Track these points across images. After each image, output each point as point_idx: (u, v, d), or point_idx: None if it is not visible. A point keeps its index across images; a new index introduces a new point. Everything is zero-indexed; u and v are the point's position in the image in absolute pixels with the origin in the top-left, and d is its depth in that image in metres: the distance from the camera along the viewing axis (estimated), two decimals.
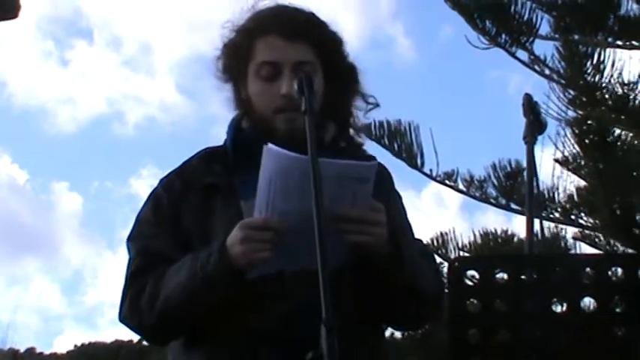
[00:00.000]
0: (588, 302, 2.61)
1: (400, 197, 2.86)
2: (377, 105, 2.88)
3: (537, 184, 3.16)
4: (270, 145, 2.42)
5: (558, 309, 2.64)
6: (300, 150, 2.35)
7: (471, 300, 2.54)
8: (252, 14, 2.81)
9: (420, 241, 2.84)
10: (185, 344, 2.70)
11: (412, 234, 2.83)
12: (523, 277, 2.59)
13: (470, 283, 2.58)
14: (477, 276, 2.54)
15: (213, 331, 2.61)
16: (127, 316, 2.68)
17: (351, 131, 2.87)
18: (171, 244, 2.68)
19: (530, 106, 3.06)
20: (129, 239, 2.75)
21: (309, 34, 2.74)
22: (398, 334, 9.07)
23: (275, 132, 2.67)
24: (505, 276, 2.58)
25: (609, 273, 2.59)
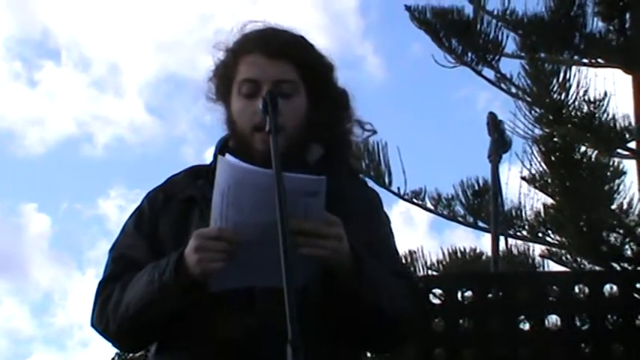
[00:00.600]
0: (554, 320, 2.61)
1: (388, 221, 2.84)
2: (374, 132, 2.89)
3: (502, 202, 3.17)
4: (226, 156, 2.42)
5: (524, 327, 2.64)
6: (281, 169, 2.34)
7: (437, 319, 2.54)
8: (240, 35, 2.82)
9: (403, 265, 2.82)
10: (155, 352, 2.71)
11: (395, 258, 2.81)
12: (489, 295, 2.59)
13: (436, 301, 2.58)
14: (443, 295, 2.54)
15: (179, 340, 2.61)
16: (96, 322, 2.71)
17: (350, 158, 2.88)
18: (147, 254, 2.70)
19: (495, 125, 3.07)
20: (110, 249, 2.80)
21: (291, 53, 2.74)
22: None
23: (253, 151, 2.67)
24: (471, 294, 2.58)
25: (575, 290, 2.59)
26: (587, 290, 2.60)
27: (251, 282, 2.51)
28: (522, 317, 2.64)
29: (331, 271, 2.49)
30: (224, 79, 2.81)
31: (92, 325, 2.73)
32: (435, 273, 8.44)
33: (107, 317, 2.66)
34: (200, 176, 2.79)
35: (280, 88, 2.66)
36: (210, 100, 2.87)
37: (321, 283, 2.51)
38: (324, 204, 2.43)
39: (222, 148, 2.82)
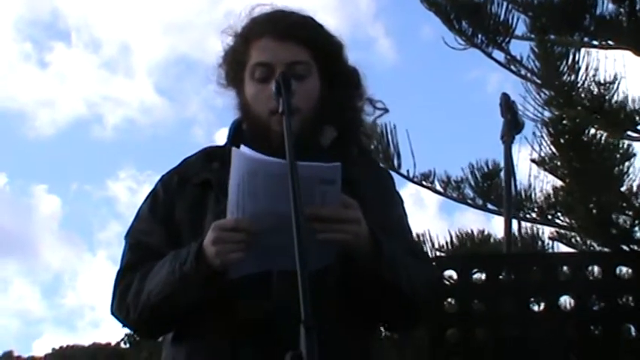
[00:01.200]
0: (566, 301, 2.62)
1: (402, 202, 2.85)
2: (386, 110, 2.89)
3: (515, 184, 3.17)
4: (240, 148, 2.43)
5: (536, 308, 2.64)
6: (296, 151, 2.35)
7: (449, 300, 2.55)
8: (249, 19, 2.82)
9: (418, 244, 2.83)
10: (172, 339, 2.73)
11: (410, 238, 2.81)
12: (500, 276, 2.60)
13: (447, 283, 2.59)
14: (455, 276, 2.55)
15: (196, 326, 2.63)
16: (116, 310, 2.73)
17: (362, 137, 2.88)
18: (164, 240, 2.72)
19: (508, 106, 3.07)
20: (126, 235, 2.82)
21: (302, 34, 2.74)
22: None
23: (270, 133, 2.67)
24: (483, 276, 2.59)
25: (586, 271, 2.60)
26: (598, 271, 2.60)
27: (269, 267, 2.53)
28: (534, 299, 2.65)
29: (351, 255, 2.50)
30: (235, 65, 2.81)
31: (112, 313, 2.75)
32: (443, 255, 8.44)
33: (127, 306, 2.68)
34: (215, 158, 2.80)
35: (294, 70, 2.67)
36: (221, 86, 2.88)
37: (340, 265, 2.53)
38: (340, 190, 2.44)
39: (236, 132, 2.83)
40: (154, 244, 2.73)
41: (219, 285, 2.53)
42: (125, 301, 2.69)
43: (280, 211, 2.32)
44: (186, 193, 2.77)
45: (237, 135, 2.81)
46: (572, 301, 2.56)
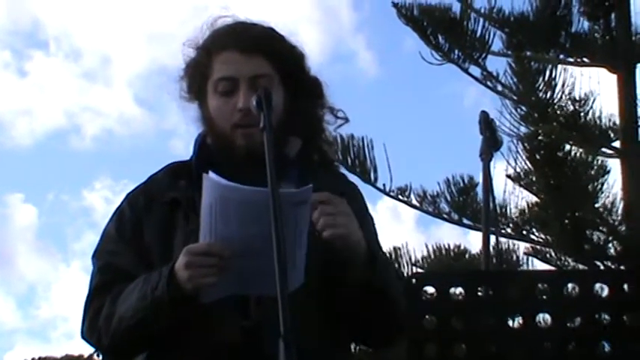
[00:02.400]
0: (542, 317, 2.63)
1: (372, 219, 2.85)
2: (346, 120, 2.88)
3: (494, 201, 3.18)
4: (209, 174, 2.43)
5: (513, 324, 2.66)
6: (259, 165, 2.35)
7: (427, 316, 2.55)
8: (211, 32, 2.80)
9: (391, 263, 2.84)
10: (145, 357, 2.70)
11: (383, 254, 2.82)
12: (479, 293, 2.61)
13: (425, 299, 2.59)
14: (434, 292, 2.55)
15: (172, 347, 2.61)
16: (87, 334, 2.69)
17: (325, 146, 2.87)
18: (132, 260, 2.68)
19: (487, 124, 3.08)
20: (93, 255, 2.76)
21: (264, 47, 2.73)
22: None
23: (234, 147, 2.67)
24: (461, 292, 2.60)
25: (563, 289, 2.62)
26: (577, 289, 2.62)
27: (241, 291, 2.53)
28: (512, 315, 2.66)
29: (348, 258, 2.51)
30: (197, 78, 2.78)
31: (82, 337, 2.70)
32: (420, 270, 8.47)
33: (99, 331, 2.64)
34: (181, 176, 2.76)
35: (257, 84, 2.66)
36: (184, 99, 2.85)
37: (328, 274, 2.53)
38: (310, 210, 2.45)
39: (201, 146, 2.81)
40: (123, 265, 2.69)
41: (191, 309, 2.52)
42: (96, 326, 2.65)
43: (252, 236, 2.34)
44: (154, 212, 2.73)
45: (202, 149, 2.80)
46: (550, 317, 2.58)
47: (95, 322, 2.65)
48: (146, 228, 2.72)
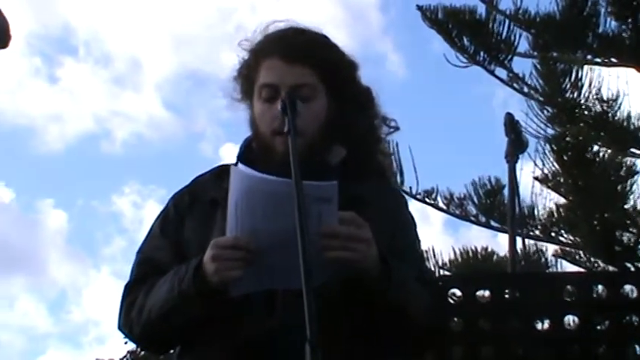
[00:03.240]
0: (570, 320, 2.62)
1: (414, 224, 2.84)
2: (397, 128, 2.89)
3: (519, 202, 3.17)
4: (238, 166, 2.44)
5: (540, 327, 2.64)
6: (299, 171, 2.35)
7: (454, 319, 2.55)
8: (262, 36, 2.82)
9: (429, 270, 2.81)
10: (178, 355, 2.74)
11: (421, 261, 2.81)
12: (506, 295, 2.60)
13: (453, 301, 2.59)
14: (461, 295, 2.55)
15: (200, 342, 2.63)
16: (122, 325, 2.75)
17: (379, 157, 2.87)
18: (172, 257, 2.72)
19: (512, 126, 3.08)
20: (138, 251, 2.82)
21: (309, 55, 2.73)
22: None
23: (274, 153, 2.68)
24: (488, 294, 2.59)
25: (591, 291, 2.60)
26: (602, 290, 2.60)
27: (269, 285, 2.53)
28: (538, 317, 2.65)
29: (359, 276, 2.50)
30: (247, 80, 2.82)
31: (119, 327, 2.76)
32: (447, 272, 8.45)
33: (131, 321, 2.69)
34: (225, 177, 2.79)
35: (298, 93, 2.66)
36: (235, 100, 2.88)
37: (345, 285, 2.52)
38: (338, 209, 2.44)
39: (246, 149, 2.83)
40: (162, 260, 2.74)
41: (220, 303, 2.53)
42: (129, 317, 2.70)
43: (278, 229, 2.33)
44: (195, 211, 2.77)
45: (246, 152, 2.82)
46: (578, 320, 2.56)
47: (129, 313, 2.70)
48: (187, 226, 2.76)
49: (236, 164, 2.80)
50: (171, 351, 2.82)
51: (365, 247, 2.46)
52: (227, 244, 2.48)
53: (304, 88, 2.69)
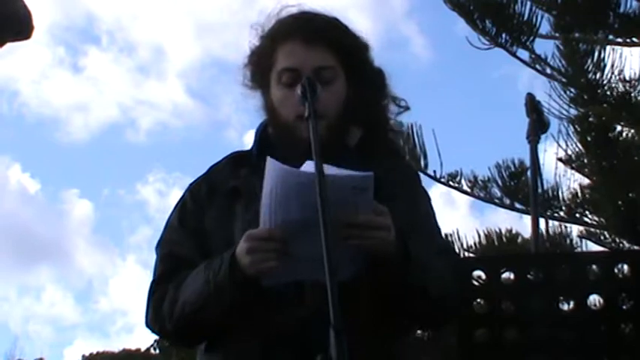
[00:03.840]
0: (595, 300, 2.61)
1: (428, 198, 2.85)
2: (407, 108, 2.89)
3: (541, 183, 3.16)
4: (271, 158, 2.44)
5: (565, 307, 2.64)
6: (323, 155, 2.35)
7: (478, 300, 2.55)
8: (276, 20, 2.82)
9: (446, 241, 2.81)
10: (205, 347, 2.74)
11: (437, 234, 2.81)
12: (529, 276, 2.60)
13: (476, 283, 2.59)
14: (484, 276, 2.55)
15: (229, 334, 2.64)
16: (151, 322, 2.74)
17: (390, 135, 2.88)
18: (194, 249, 2.73)
19: (533, 106, 3.07)
20: (157, 245, 2.82)
21: (328, 38, 2.74)
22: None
23: (297, 138, 2.67)
24: (511, 276, 2.59)
25: (615, 270, 2.59)
26: (626, 269, 2.59)
27: (301, 276, 2.55)
28: (562, 298, 2.64)
29: (378, 260, 2.50)
30: (262, 67, 2.81)
31: (147, 325, 2.76)
32: (472, 255, 8.43)
33: (163, 317, 2.69)
34: (242, 164, 2.79)
35: (320, 75, 2.67)
36: (247, 87, 2.88)
37: (369, 271, 2.53)
38: (373, 197, 2.44)
39: (262, 135, 2.83)
40: (185, 255, 2.73)
41: (252, 294, 2.54)
42: (160, 313, 2.70)
43: (312, 220, 2.34)
44: (215, 201, 2.77)
45: (263, 139, 2.82)
46: (601, 299, 2.55)
47: (159, 309, 2.70)
48: (207, 216, 2.76)
49: (251, 150, 2.80)
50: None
51: (384, 233, 2.47)
52: (262, 236, 2.49)
53: (326, 71, 2.70)
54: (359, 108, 2.77)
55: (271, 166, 2.44)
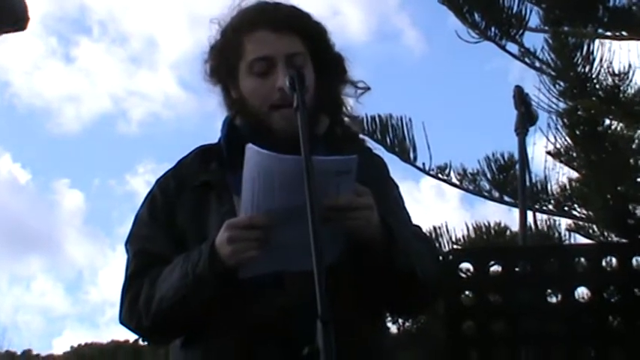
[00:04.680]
0: (583, 292, 2.61)
1: (396, 186, 2.85)
2: (367, 88, 2.87)
3: (530, 176, 3.16)
4: (251, 145, 2.42)
5: (553, 299, 2.64)
6: (297, 146, 2.34)
7: (466, 293, 2.54)
8: (237, 12, 2.79)
9: (418, 226, 2.82)
10: (182, 343, 2.71)
11: (409, 220, 2.82)
12: (517, 268, 2.60)
13: (464, 275, 2.58)
14: (471, 268, 2.54)
15: (209, 327, 2.61)
16: (126, 319, 2.70)
17: (346, 120, 2.86)
18: (166, 244, 2.69)
19: (521, 98, 3.07)
20: (127, 241, 2.77)
21: (296, 24, 2.73)
22: (394, 330, 9.07)
23: (271, 129, 2.66)
24: (499, 268, 2.59)
25: (603, 263, 2.59)
26: (614, 262, 2.59)
27: (280, 267, 2.52)
28: (550, 290, 2.64)
29: (364, 243, 2.50)
30: (226, 60, 2.77)
31: (121, 321, 2.72)
32: (459, 247, 8.44)
33: (139, 313, 2.65)
34: (211, 158, 2.76)
35: (293, 62, 2.65)
36: (209, 82, 2.83)
37: (352, 257, 2.53)
38: (355, 179, 2.44)
39: (229, 128, 2.80)
40: (157, 250, 2.70)
41: (232, 285, 2.52)
42: (136, 309, 2.66)
43: (294, 206, 2.33)
44: (186, 196, 2.73)
45: (231, 132, 2.79)
46: (589, 292, 2.56)
47: (134, 306, 2.66)
48: (179, 212, 2.72)
49: (219, 143, 2.78)
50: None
51: (367, 212, 2.47)
52: (242, 224, 2.46)
53: (298, 57, 2.68)
54: (325, 95, 2.75)
55: (252, 153, 2.41)
